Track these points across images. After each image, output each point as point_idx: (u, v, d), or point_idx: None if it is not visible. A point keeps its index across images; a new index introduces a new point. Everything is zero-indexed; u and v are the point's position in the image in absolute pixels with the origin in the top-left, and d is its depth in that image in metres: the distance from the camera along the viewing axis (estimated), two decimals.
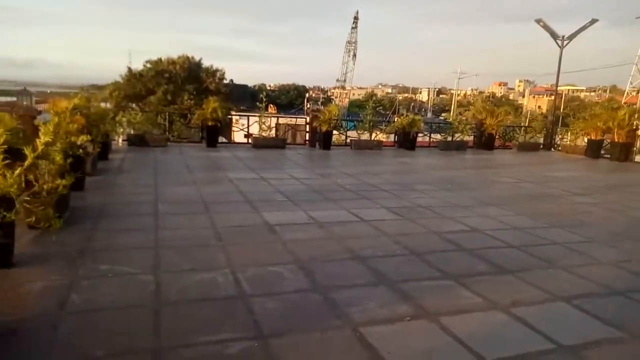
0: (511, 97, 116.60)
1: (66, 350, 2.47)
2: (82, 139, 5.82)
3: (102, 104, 10.68)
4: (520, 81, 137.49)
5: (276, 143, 13.28)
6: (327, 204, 6.52)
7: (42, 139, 2.78)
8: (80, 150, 5.82)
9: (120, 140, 11.69)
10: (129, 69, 40.56)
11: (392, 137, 15.37)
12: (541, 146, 16.89)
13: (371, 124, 14.25)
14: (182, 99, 38.70)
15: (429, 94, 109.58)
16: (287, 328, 2.85)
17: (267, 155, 11.60)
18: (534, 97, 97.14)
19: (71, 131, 5.62)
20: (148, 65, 41.01)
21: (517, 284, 3.87)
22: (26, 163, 2.63)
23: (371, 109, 14.49)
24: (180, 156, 10.46)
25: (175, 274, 3.61)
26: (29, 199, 4.41)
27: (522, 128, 18.75)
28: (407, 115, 15.03)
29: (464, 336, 2.85)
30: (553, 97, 19.70)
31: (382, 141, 14.48)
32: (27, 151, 3.10)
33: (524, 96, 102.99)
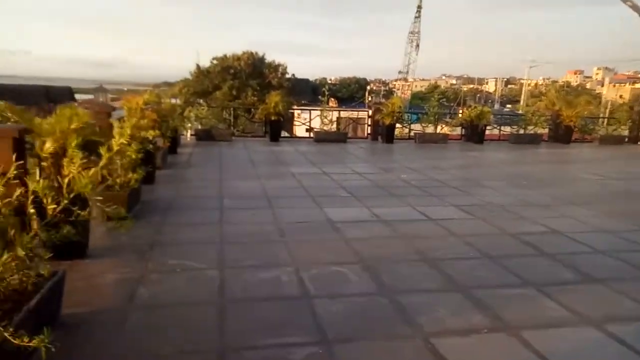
0: (588, 86, 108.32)
1: (133, 346, 2.49)
2: (152, 133, 6.01)
3: (172, 100, 11.08)
4: (598, 69, 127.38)
5: (338, 137, 13.15)
6: (392, 200, 6.29)
7: (118, 139, 2.83)
8: (151, 145, 6.02)
9: (188, 135, 12.10)
10: (197, 66, 42.21)
11: (458, 130, 14.70)
12: (626, 139, 15.41)
13: (436, 116, 13.70)
14: (246, 94, 39.72)
15: (496, 85, 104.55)
16: (352, 334, 2.70)
17: (328, 149, 11.50)
18: (614, 85, 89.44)
19: (142, 126, 5.82)
20: (215, 62, 42.46)
21: (609, 295, 3.45)
22: (101, 163, 2.66)
23: (436, 101, 13.93)
24: (245, 150, 10.63)
25: (240, 270, 3.58)
26: (102, 196, 4.61)
27: (604, 120, 17.20)
28: (475, 107, 14.28)
29: (549, 354, 2.55)
30: (639, 85, 17.84)
31: (447, 134, 13.88)
32: (102, 150, 3.17)
33: (602, 85, 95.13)
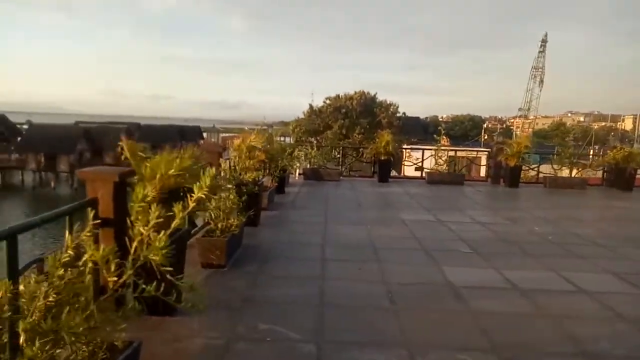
0: None
1: None
2: (253, 175, 5.79)
3: (285, 139, 11.14)
4: None
5: (454, 179, 12.07)
6: (526, 260, 5.20)
7: (203, 185, 2.49)
8: (256, 187, 5.78)
9: (297, 174, 12.06)
10: (310, 106, 43.88)
11: (595, 173, 12.64)
12: None
13: (572, 157, 11.93)
14: (354, 132, 40.05)
15: (634, 122, 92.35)
16: None
17: (443, 192, 10.52)
18: None
19: (248, 167, 5.63)
20: (327, 101, 43.79)
21: None
22: (174, 223, 2.26)
23: (571, 139, 12.19)
24: (352, 191, 10.16)
25: (341, 348, 2.95)
26: (200, 242, 4.38)
27: None
28: (621, 148, 12.19)
29: None
30: None
31: (587, 179, 11.97)
32: (186, 204, 2.82)
33: None
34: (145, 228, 2.03)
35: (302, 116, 44.14)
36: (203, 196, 2.30)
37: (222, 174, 5.32)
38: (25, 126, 54.83)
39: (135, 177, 3.26)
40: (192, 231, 4.64)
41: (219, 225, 4.54)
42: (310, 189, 10.27)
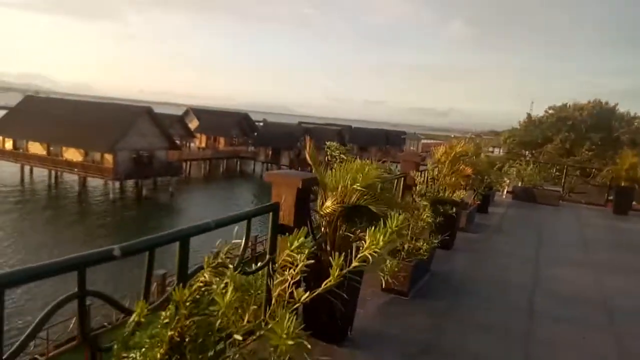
0: None
1: None
2: (454, 195, 5.03)
3: (494, 151, 9.94)
4: None
5: None
6: None
7: (390, 225, 2.02)
8: (453, 209, 5.03)
9: (504, 192, 10.62)
10: (528, 116, 39.46)
11: None
12: None
13: None
14: (581, 149, 34.19)
15: None
16: None
17: None
18: None
19: (450, 184, 4.94)
20: (550, 111, 38.66)
21: None
22: (365, 250, 1.85)
23: None
24: (576, 222, 8.32)
25: None
26: (388, 259, 3.92)
27: None
28: None
29: None
30: None
31: None
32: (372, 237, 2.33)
33: None
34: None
35: (516, 126, 40.02)
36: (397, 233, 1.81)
37: (417, 187, 4.76)
38: (261, 124, 64.76)
39: (317, 186, 3.01)
40: None
41: (405, 247, 4.01)
42: (520, 212, 8.83)
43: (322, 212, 2.93)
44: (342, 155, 8.01)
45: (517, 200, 10.11)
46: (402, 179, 5.35)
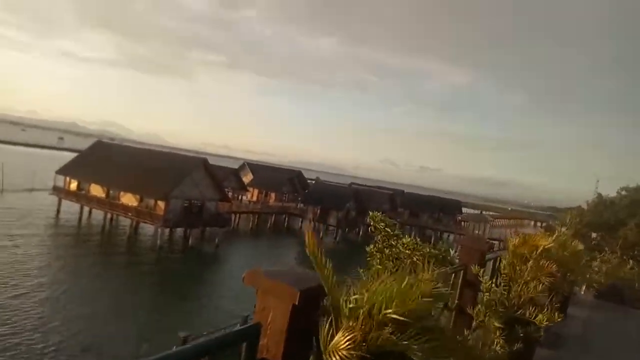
0: None
1: None
2: (537, 314, 3.79)
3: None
4: None
5: None
6: None
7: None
8: (540, 332, 3.80)
9: (583, 288, 9.01)
10: (599, 195, 36.58)
11: None
12: None
13: None
14: None
15: None
16: None
17: None
18: None
19: (530, 293, 3.76)
20: (623, 192, 35.65)
21: None
22: None
23: None
24: None
25: None
26: None
27: None
28: None
29: None
30: None
31: None
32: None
33: None
34: None
35: (580, 204, 37.05)
36: None
37: (485, 296, 3.59)
38: (313, 182, 64.94)
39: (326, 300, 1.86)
40: None
41: None
42: (608, 318, 7.25)
43: (328, 351, 1.66)
44: (387, 229, 6.81)
45: (602, 299, 8.47)
46: (462, 272, 4.23)
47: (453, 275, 3.82)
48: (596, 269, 8.85)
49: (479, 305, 3.37)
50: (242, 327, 1.73)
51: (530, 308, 3.44)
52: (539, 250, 4.14)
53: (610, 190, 37.28)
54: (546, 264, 4.28)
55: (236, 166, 58.70)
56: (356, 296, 1.63)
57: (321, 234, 50.91)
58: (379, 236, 6.57)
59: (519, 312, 3.43)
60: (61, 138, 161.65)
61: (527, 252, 4.26)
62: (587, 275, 8.42)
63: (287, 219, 54.04)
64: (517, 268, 3.92)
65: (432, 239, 57.69)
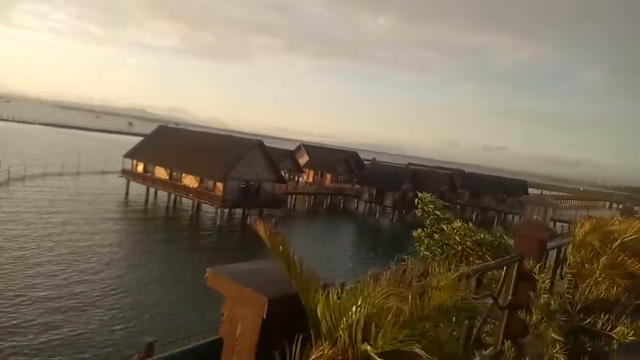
0: None
1: None
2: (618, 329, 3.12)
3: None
4: None
5: None
6: None
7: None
8: (614, 345, 3.16)
9: None
10: None
11: None
12: None
13: None
14: None
15: None
16: None
17: None
18: None
19: (599, 291, 3.11)
20: None
21: None
22: None
23: None
24: None
25: None
26: None
27: None
28: None
29: None
30: None
31: None
32: None
33: None
34: None
35: None
36: None
37: (543, 298, 2.97)
38: (368, 163, 64.05)
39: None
40: None
41: None
42: None
43: None
44: (436, 212, 6.19)
45: None
46: (516, 264, 3.53)
47: (505, 268, 3.26)
48: None
49: (535, 310, 2.81)
50: (202, 342, 1.39)
51: (602, 316, 2.80)
52: (617, 243, 3.43)
53: None
54: (628, 261, 3.52)
55: (294, 148, 59.03)
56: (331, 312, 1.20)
57: (377, 215, 50.22)
58: (427, 220, 6.02)
59: (586, 321, 2.81)
60: (130, 123, 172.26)
61: (599, 242, 3.57)
62: None
63: (342, 200, 53.79)
64: (587, 264, 3.25)
65: (495, 220, 55.06)
